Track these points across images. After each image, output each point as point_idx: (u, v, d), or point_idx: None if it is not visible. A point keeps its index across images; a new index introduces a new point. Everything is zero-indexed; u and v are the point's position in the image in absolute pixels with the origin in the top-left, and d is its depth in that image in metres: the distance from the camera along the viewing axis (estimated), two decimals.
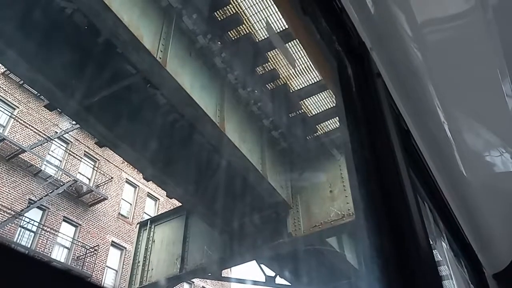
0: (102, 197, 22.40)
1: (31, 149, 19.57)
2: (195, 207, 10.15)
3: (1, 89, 20.48)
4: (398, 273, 0.75)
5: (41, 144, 20.16)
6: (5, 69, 18.82)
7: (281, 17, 6.91)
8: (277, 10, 6.68)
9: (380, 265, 0.77)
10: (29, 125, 20.73)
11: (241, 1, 7.45)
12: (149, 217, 15.25)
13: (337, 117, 8.36)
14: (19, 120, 20.49)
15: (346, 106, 1.11)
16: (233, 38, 7.90)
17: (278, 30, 7.62)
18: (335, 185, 9.15)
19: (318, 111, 9.05)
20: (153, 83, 7.55)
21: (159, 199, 26.59)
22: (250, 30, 7.78)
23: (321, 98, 8.81)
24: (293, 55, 7.95)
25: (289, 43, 7.77)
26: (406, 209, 0.86)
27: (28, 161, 19.82)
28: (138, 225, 12.71)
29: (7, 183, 19.00)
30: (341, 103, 1.14)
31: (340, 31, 1.20)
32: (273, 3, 6.75)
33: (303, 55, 7.78)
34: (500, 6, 1.47)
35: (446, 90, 1.80)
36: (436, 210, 1.86)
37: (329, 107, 8.85)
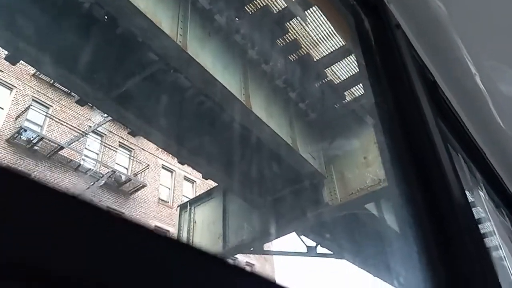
0: (141, 185, 23.02)
1: (69, 145, 20.26)
2: (230, 185, 10.31)
3: (34, 90, 21.17)
4: (429, 218, 0.75)
5: (77, 140, 20.83)
6: (35, 71, 19.38)
7: None
8: None
9: (410, 212, 0.77)
10: (64, 122, 21.41)
11: None
12: (188, 200, 15.60)
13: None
14: (54, 118, 21.19)
15: (367, 60, 1.09)
16: (250, 13, 7.79)
17: None
18: (368, 151, 9.02)
19: (345, 77, 8.86)
20: (176, 67, 7.60)
21: (195, 181, 27.07)
22: (267, 2, 7.65)
23: (347, 63, 8.60)
24: (313, 22, 7.77)
25: (308, 11, 7.60)
26: (435, 156, 0.84)
27: (68, 157, 20.56)
28: (179, 208, 13.04)
29: (51, 179, 19.83)
30: (361, 58, 1.12)
31: None
32: None
33: (323, 21, 7.59)
34: None
35: (474, 40, 1.72)
36: (471, 160, 1.82)
37: (357, 71, 8.65)
